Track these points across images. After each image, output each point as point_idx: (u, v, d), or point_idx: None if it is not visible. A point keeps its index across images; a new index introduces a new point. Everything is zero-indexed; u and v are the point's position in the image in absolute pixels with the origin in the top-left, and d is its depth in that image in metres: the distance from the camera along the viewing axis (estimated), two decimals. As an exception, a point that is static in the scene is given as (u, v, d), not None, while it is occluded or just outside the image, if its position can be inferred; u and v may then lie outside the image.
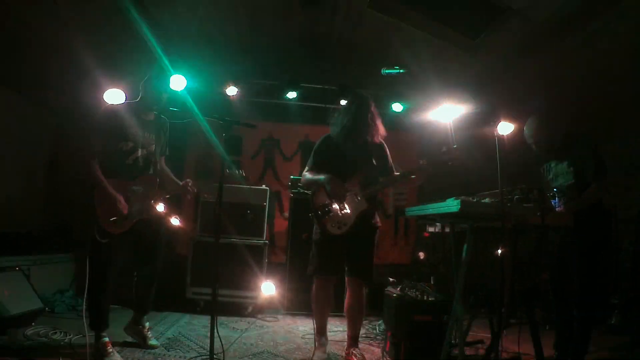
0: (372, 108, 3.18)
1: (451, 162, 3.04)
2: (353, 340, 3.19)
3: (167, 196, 3.18)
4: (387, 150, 3.32)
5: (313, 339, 3.34)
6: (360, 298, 3.14)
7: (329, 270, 3.11)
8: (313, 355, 3.10)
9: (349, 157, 3.13)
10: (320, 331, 3.20)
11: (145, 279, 3.22)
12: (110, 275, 2.96)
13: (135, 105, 3.10)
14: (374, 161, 3.19)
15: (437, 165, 3.09)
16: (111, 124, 2.94)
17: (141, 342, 3.17)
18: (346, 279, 3.17)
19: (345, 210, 3.04)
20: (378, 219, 3.22)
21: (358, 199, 3.05)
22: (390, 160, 3.32)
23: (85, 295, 2.82)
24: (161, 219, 3.20)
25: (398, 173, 3.20)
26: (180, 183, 3.23)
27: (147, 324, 3.26)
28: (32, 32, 4.02)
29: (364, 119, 3.12)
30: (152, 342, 3.20)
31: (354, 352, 3.13)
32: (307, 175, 3.19)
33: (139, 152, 3.03)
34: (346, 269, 3.14)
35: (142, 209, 2.99)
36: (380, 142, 3.27)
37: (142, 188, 2.99)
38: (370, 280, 3.15)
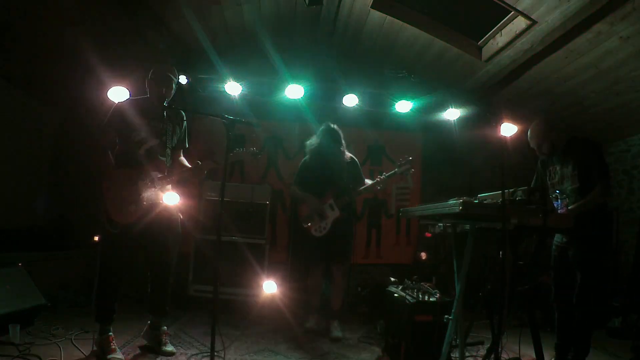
0: (339, 137, 3.99)
1: (401, 173, 3.88)
2: (332, 313, 4.00)
3: (177, 179, 3.10)
4: (358, 164, 4.14)
5: (313, 335, 3.68)
6: (339, 280, 3.99)
7: (314, 261, 4.06)
8: (306, 322, 3.99)
9: (324, 176, 3.93)
10: (314, 304, 4.09)
11: (158, 276, 3.14)
12: (119, 269, 2.97)
13: (144, 100, 3.12)
14: (345, 176, 3.94)
15: (390, 177, 3.90)
16: (122, 116, 2.96)
17: (156, 347, 3.06)
18: (330, 267, 4.00)
19: (324, 219, 3.91)
20: (351, 221, 4.15)
21: (333, 209, 3.90)
22: (361, 172, 4.12)
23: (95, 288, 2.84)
24: (173, 209, 3.12)
25: (369, 182, 4.00)
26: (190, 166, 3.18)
27: (164, 328, 3.14)
28: (38, 30, 4.03)
29: (331, 146, 3.96)
30: (168, 348, 3.07)
31: (333, 323, 3.91)
32: (295, 190, 4.08)
33: (151, 142, 3.02)
34: (328, 258, 3.97)
35: (152, 195, 2.96)
36: (351, 157, 4.08)
37: (152, 175, 2.98)
38: (344, 262, 4.03)
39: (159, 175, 3.01)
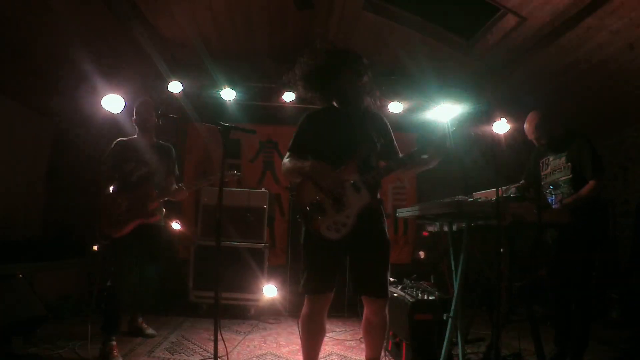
0: (360, 65, 2.49)
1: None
2: None
3: (163, 199, 3.50)
4: (388, 123, 2.57)
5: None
6: (381, 317, 2.36)
7: (317, 288, 2.31)
8: None
9: (342, 135, 2.40)
10: None
11: (146, 279, 3.52)
12: (124, 278, 3.19)
13: (133, 141, 3.49)
14: (374, 137, 2.42)
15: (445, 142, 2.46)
16: (118, 154, 3.41)
17: (141, 334, 3.59)
18: (359, 297, 2.41)
19: (343, 206, 2.26)
20: (383, 214, 2.44)
21: (359, 191, 2.28)
22: (392, 132, 2.55)
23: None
24: (160, 226, 3.55)
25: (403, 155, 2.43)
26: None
27: (140, 319, 3.66)
28: (32, 41, 4.04)
29: (356, 79, 2.40)
30: (150, 331, 3.64)
31: None
32: (287, 163, 2.44)
33: (140, 171, 3.42)
34: (352, 284, 2.36)
35: (138, 213, 3.28)
36: (379, 112, 2.62)
37: (139, 196, 3.33)
38: (383, 292, 2.31)
39: (146, 198, 3.37)
